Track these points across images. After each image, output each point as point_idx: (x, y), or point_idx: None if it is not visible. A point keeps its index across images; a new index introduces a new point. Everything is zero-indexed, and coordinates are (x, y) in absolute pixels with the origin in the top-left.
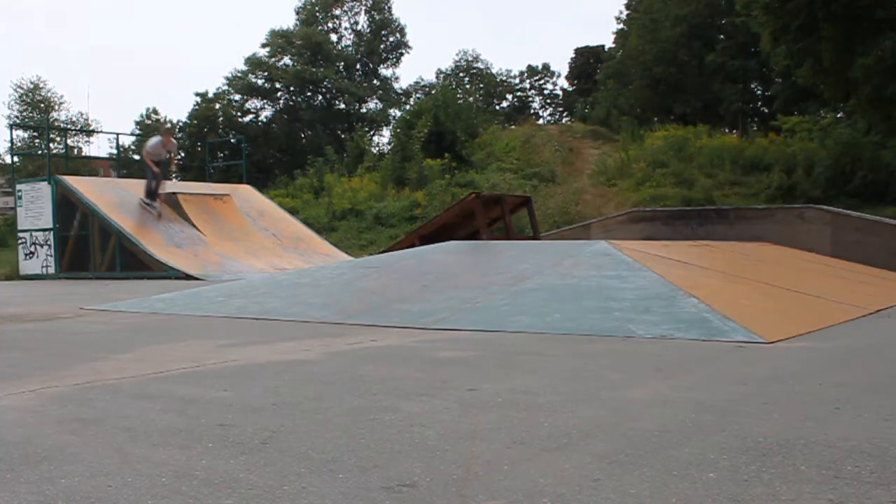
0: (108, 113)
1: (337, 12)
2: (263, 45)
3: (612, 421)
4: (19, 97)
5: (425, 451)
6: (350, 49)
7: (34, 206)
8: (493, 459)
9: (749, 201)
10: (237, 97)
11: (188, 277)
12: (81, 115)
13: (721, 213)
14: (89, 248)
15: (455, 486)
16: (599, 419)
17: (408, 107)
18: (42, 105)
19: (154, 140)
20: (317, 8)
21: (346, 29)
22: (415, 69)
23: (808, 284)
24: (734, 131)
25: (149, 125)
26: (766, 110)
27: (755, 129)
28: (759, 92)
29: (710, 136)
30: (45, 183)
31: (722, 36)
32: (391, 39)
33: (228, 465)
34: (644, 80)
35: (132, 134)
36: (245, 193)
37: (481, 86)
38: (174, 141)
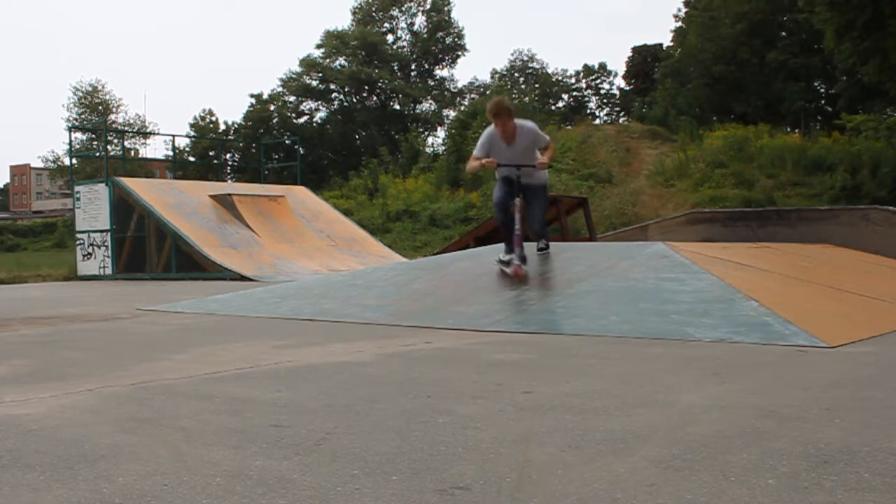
0: (164, 115)
1: (395, 12)
2: (318, 47)
3: (669, 425)
4: (78, 100)
5: (479, 453)
6: (405, 49)
7: (92, 208)
8: (547, 463)
9: (812, 202)
10: (292, 98)
11: (243, 278)
12: (138, 117)
13: (782, 215)
14: (145, 249)
15: (508, 490)
16: (655, 423)
17: (462, 107)
18: (100, 108)
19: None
20: (373, 8)
21: (402, 29)
22: (470, 69)
23: (872, 288)
24: (796, 130)
25: (202, 127)
26: (830, 109)
27: (818, 128)
28: (822, 90)
29: (772, 136)
30: (103, 185)
31: (784, 33)
32: (447, 40)
33: (282, 466)
34: (703, 78)
35: (187, 136)
36: (299, 195)
37: (537, 86)
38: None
